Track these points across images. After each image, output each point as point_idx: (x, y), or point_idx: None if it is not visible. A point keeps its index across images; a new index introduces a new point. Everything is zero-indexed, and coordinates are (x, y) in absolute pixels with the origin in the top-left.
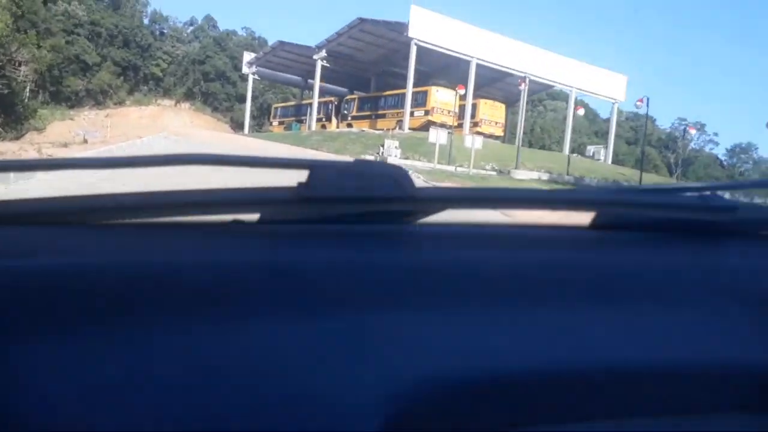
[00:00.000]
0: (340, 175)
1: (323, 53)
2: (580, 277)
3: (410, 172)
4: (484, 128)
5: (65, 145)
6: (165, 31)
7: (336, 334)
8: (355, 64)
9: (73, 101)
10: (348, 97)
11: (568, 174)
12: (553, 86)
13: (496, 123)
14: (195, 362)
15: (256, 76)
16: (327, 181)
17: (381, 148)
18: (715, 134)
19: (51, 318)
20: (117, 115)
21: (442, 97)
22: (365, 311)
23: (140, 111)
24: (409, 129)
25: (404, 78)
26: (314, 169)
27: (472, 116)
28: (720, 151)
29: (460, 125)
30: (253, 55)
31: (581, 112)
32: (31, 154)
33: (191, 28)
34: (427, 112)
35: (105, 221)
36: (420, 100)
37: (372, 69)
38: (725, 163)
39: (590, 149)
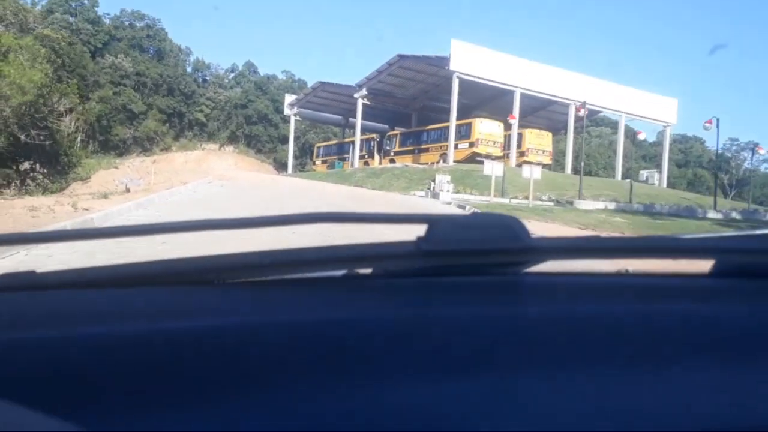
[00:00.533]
0: (459, 228)
1: (363, 91)
2: (715, 330)
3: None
4: (531, 157)
5: (105, 196)
6: (207, 78)
7: (474, 394)
8: (395, 100)
9: (122, 149)
10: (390, 133)
11: (631, 202)
12: (600, 112)
13: (543, 151)
14: (327, 424)
15: (297, 117)
16: (446, 235)
17: (432, 183)
18: None
19: (208, 380)
20: (163, 161)
21: (486, 129)
22: (503, 369)
23: (185, 156)
24: (454, 162)
25: (445, 112)
26: (433, 222)
27: (519, 146)
28: None
29: (506, 155)
30: (294, 96)
31: (642, 136)
32: (64, 209)
33: (233, 74)
34: (471, 144)
35: (231, 280)
36: (464, 132)
37: (412, 104)
38: None
39: (643, 174)
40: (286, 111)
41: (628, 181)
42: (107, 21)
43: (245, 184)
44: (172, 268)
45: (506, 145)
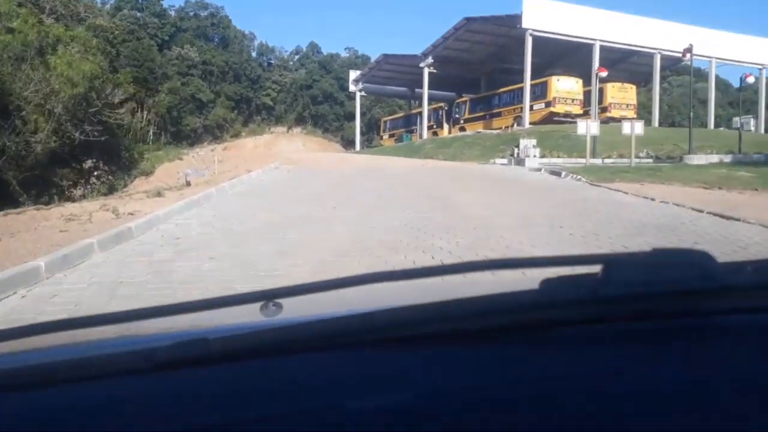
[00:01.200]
0: (642, 268)
1: (429, 60)
2: None
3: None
4: (614, 113)
5: (159, 194)
6: (272, 61)
7: None
8: (462, 66)
9: (193, 138)
10: (458, 100)
11: (740, 152)
12: (685, 60)
13: (627, 105)
14: None
15: (362, 93)
16: (628, 277)
17: (515, 149)
18: None
19: None
20: (234, 147)
21: (564, 86)
22: None
23: (255, 141)
24: (530, 124)
25: (517, 73)
26: (610, 263)
27: (600, 102)
28: None
29: (586, 113)
30: (358, 72)
31: (751, 79)
32: (105, 217)
33: (297, 56)
34: (548, 104)
35: (380, 337)
36: (539, 92)
37: (481, 69)
38: None
39: (737, 121)
40: (351, 87)
41: (722, 129)
42: (172, 13)
43: (312, 167)
44: (328, 330)
45: (586, 102)
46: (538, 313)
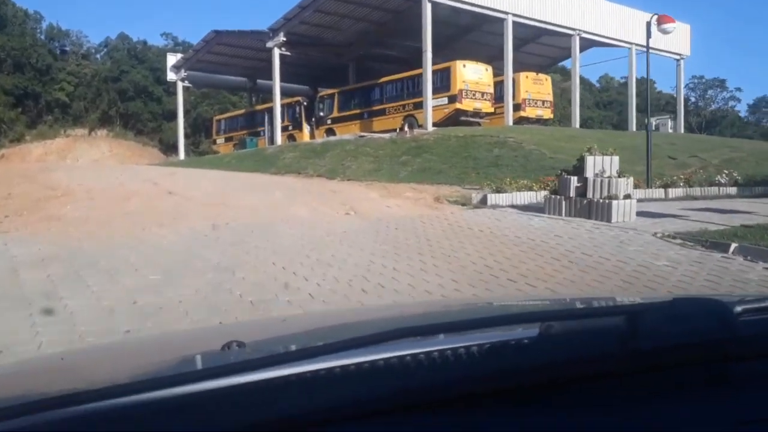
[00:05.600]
0: (664, 319)
1: (281, 37)
2: None
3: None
4: (528, 111)
5: None
6: (67, 48)
7: None
8: (324, 49)
9: None
10: (323, 93)
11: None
12: (606, 43)
13: (543, 102)
14: None
15: (185, 83)
16: (655, 329)
17: (567, 177)
18: (738, 89)
19: None
20: (15, 155)
21: (472, 75)
22: None
23: (44, 146)
24: (433, 125)
25: (395, 61)
26: (636, 315)
27: (512, 97)
28: (743, 108)
29: (497, 111)
30: (179, 56)
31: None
32: None
33: (105, 49)
34: (452, 98)
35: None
36: (439, 84)
37: (347, 53)
38: (747, 119)
39: (653, 122)
40: (170, 76)
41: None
42: None
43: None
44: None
45: (497, 96)
46: (566, 370)
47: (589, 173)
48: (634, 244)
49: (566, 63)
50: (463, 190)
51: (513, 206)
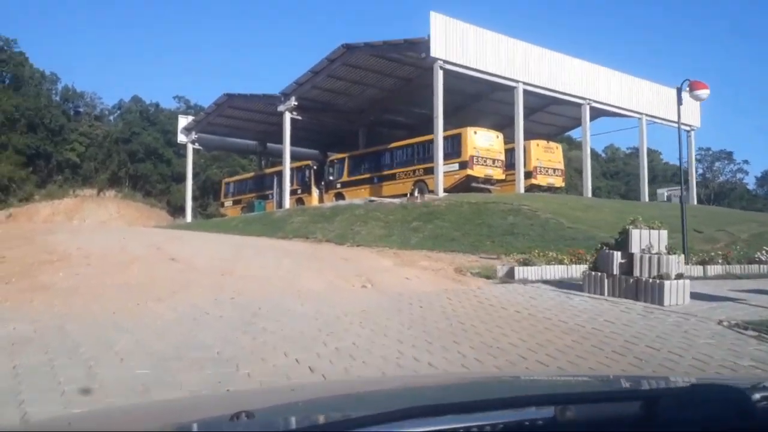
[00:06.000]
0: (683, 407)
1: (292, 102)
2: None
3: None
4: (539, 179)
5: None
6: (81, 109)
7: None
8: (334, 114)
9: None
10: (334, 157)
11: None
12: (620, 113)
13: (554, 170)
14: None
15: (196, 145)
16: (670, 417)
17: (609, 252)
18: (745, 162)
19: None
20: (22, 215)
21: (482, 142)
22: None
23: (53, 206)
24: (444, 191)
25: (403, 127)
26: (652, 402)
27: (523, 164)
28: (751, 180)
29: (508, 178)
30: (190, 118)
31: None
32: None
33: (119, 111)
34: (463, 165)
35: None
36: (450, 149)
37: (359, 120)
38: (755, 192)
39: (662, 193)
40: (181, 138)
41: (655, 202)
42: None
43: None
44: None
45: (507, 163)
46: None
47: (635, 248)
48: (701, 335)
49: (572, 133)
50: (482, 260)
51: (544, 281)
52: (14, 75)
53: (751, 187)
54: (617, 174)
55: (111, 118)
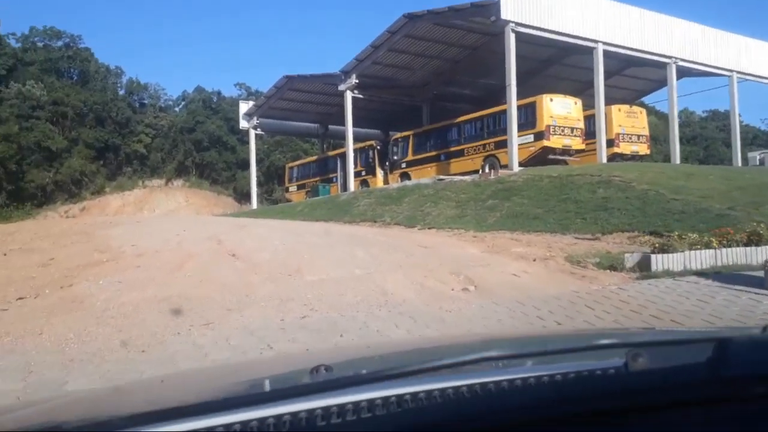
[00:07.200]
0: (757, 348)
1: (353, 80)
2: None
3: None
4: (623, 147)
5: None
6: (145, 101)
7: None
8: (396, 91)
9: (41, 198)
10: (397, 135)
11: None
12: (709, 72)
13: (639, 137)
14: None
15: (258, 131)
16: (748, 356)
17: None
18: None
19: None
20: (95, 207)
21: (559, 109)
22: None
23: (123, 198)
24: (520, 165)
25: (469, 101)
26: (725, 342)
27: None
28: None
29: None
30: (251, 103)
31: None
32: None
33: (183, 102)
34: (539, 135)
35: None
36: (524, 119)
37: (421, 94)
38: None
39: (754, 156)
40: (243, 124)
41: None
42: (12, 42)
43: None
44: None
45: (586, 132)
46: (652, 396)
47: None
48: None
49: (647, 98)
50: (580, 241)
51: (695, 273)
52: (81, 71)
53: None
54: (694, 139)
55: (176, 109)
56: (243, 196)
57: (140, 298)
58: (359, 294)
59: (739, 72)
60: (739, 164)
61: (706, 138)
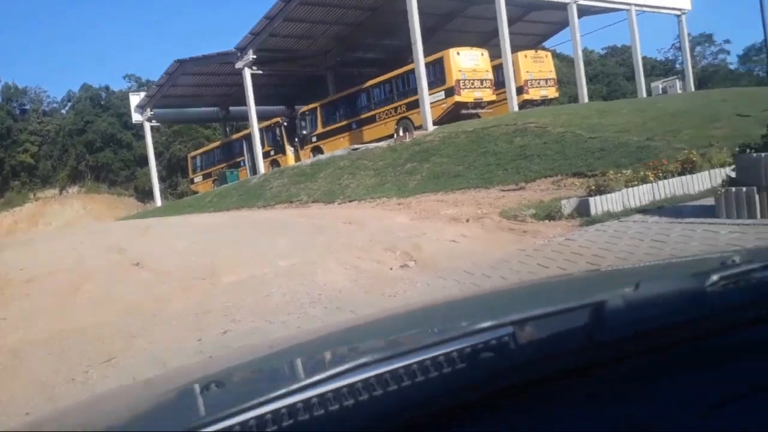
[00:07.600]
0: (631, 306)
1: (250, 55)
2: None
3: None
4: (532, 93)
5: None
6: (27, 106)
7: None
8: (297, 62)
9: None
10: (303, 109)
11: None
12: (607, 8)
13: (546, 81)
14: None
15: (153, 122)
16: (620, 318)
17: (757, 157)
18: (726, 41)
19: None
20: None
21: (467, 62)
22: None
23: (13, 214)
24: (434, 124)
25: (375, 64)
26: (598, 307)
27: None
28: (733, 59)
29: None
30: (142, 94)
31: None
32: None
33: (70, 103)
34: (449, 92)
35: None
36: (433, 77)
37: (324, 62)
38: (737, 69)
39: (657, 86)
40: (136, 118)
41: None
42: None
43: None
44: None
45: (496, 81)
46: (536, 369)
47: None
48: None
49: (548, 42)
50: (509, 193)
51: (639, 211)
52: None
53: (733, 66)
54: (596, 77)
55: (63, 111)
56: (146, 195)
57: (25, 340)
58: (287, 292)
59: (636, 5)
60: (644, 95)
61: (608, 74)
